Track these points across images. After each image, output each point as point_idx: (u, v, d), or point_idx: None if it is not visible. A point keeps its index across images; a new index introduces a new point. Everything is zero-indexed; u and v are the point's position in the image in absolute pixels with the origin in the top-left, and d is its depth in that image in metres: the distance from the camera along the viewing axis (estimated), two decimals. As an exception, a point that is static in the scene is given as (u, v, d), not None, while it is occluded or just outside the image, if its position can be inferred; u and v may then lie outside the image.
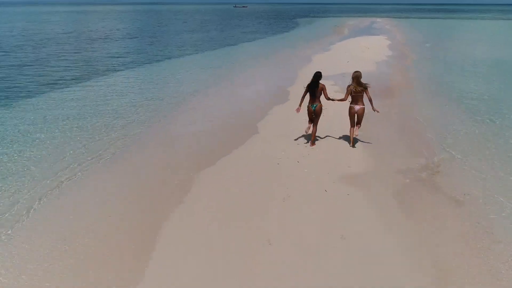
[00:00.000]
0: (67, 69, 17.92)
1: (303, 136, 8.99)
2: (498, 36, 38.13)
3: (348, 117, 8.44)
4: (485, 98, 12.75)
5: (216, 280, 4.52)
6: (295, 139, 8.82)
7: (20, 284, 4.49)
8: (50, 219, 5.82)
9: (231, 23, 57.95)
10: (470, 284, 4.45)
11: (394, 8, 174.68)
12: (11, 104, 11.83)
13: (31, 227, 5.60)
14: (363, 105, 8.15)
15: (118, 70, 17.84)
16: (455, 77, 16.81)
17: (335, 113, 10.60)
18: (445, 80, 15.98)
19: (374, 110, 8.21)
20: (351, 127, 8.35)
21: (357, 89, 7.99)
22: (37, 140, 8.80)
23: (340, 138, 9.03)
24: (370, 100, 8.08)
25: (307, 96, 8.29)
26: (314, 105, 8.17)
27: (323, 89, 8.08)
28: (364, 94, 8.09)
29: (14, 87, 14.20)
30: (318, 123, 8.42)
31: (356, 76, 8.01)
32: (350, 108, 8.23)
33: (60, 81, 15.16)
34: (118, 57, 22.04)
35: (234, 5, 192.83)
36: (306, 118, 10.01)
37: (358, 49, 24.49)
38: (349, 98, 8.29)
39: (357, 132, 8.46)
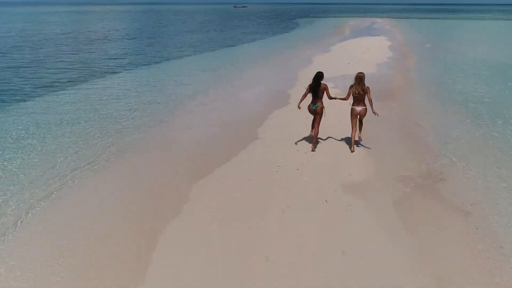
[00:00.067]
0: (63, 71, 17.68)
1: (303, 140, 8.77)
2: (498, 37, 37.92)
3: (350, 119, 8.30)
4: (486, 100, 12.52)
5: (216, 280, 4.53)
6: (295, 144, 8.58)
7: (20, 284, 4.52)
8: (50, 219, 5.84)
9: (231, 23, 57.69)
10: (470, 285, 4.41)
11: (394, 8, 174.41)
12: (5, 108, 11.59)
13: (31, 227, 5.62)
14: (365, 106, 8.04)
15: (116, 72, 17.60)
16: (456, 78, 16.57)
17: (336, 115, 10.42)
18: (446, 82, 15.75)
19: (373, 113, 8.07)
20: (352, 129, 8.19)
21: (359, 90, 7.88)
22: (28, 146, 8.56)
23: (341, 140, 8.88)
24: (370, 102, 7.96)
25: (309, 96, 8.16)
26: (316, 106, 8.04)
27: (325, 89, 7.97)
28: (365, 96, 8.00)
29: (10, 89, 13.97)
30: (320, 124, 8.27)
31: (359, 77, 7.89)
32: (352, 110, 8.10)
33: (56, 84, 14.92)
34: (116, 58, 21.80)
35: (234, 5, 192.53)
36: (306, 122, 9.83)
37: (359, 50, 24.25)
38: (351, 100, 8.18)
39: (361, 134, 8.42)
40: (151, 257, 4.90)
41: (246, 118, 10.80)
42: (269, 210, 5.94)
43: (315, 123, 8.25)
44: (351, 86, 8.02)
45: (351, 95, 8.03)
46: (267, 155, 8.10)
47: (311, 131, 8.56)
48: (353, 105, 8.12)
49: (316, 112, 8.10)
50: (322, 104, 8.10)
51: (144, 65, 19.78)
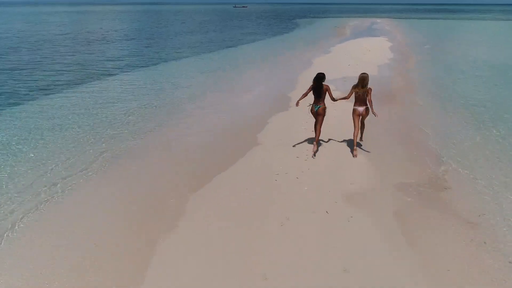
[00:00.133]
0: (60, 73, 17.41)
1: (304, 145, 8.52)
2: (499, 37, 37.67)
3: (350, 120, 8.26)
4: (488, 103, 12.27)
5: (216, 280, 4.52)
6: (295, 150, 8.32)
7: (20, 284, 4.52)
8: (50, 219, 5.86)
9: (231, 23, 57.43)
10: (470, 285, 4.36)
11: (394, 8, 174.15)
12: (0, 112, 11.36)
13: (31, 227, 5.64)
14: (367, 106, 8.01)
15: (112, 74, 17.32)
16: (457, 80, 16.34)
17: (337, 116, 10.23)
18: (447, 84, 15.51)
19: (373, 113, 7.96)
20: (355, 128, 8.09)
21: (361, 91, 7.88)
22: (19, 153, 8.31)
23: (342, 141, 8.78)
24: (370, 103, 7.91)
25: (310, 95, 8.06)
26: (318, 106, 7.93)
27: (328, 90, 7.88)
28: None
29: (4, 92, 13.69)
30: (322, 125, 8.15)
31: (362, 78, 7.87)
32: (354, 110, 8.06)
33: (52, 86, 14.65)
34: (113, 60, 21.53)
35: (234, 5, 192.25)
36: (306, 126, 9.60)
37: (359, 51, 24.00)
38: (352, 100, 8.19)
39: (362, 139, 8.39)
40: (151, 257, 4.91)
41: (245, 122, 10.54)
42: (267, 224, 5.68)
43: (317, 124, 8.12)
44: (354, 86, 8.01)
45: (352, 94, 8.05)
46: (267, 161, 7.84)
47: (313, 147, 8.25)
48: (355, 105, 8.09)
49: (318, 113, 8.00)
50: (324, 105, 8.01)
51: (141, 66, 19.52)
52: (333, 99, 8.07)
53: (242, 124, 10.37)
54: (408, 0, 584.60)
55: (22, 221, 5.78)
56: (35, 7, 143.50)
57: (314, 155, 8.01)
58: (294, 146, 8.54)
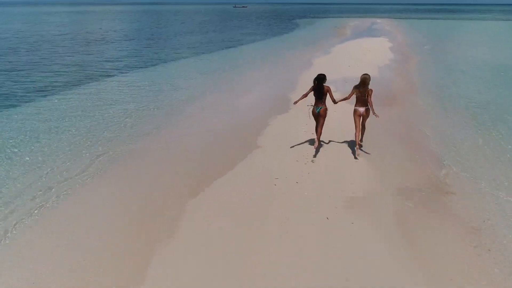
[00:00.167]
0: (58, 74, 17.28)
1: (304, 149, 8.40)
2: (499, 37, 37.57)
3: (351, 122, 8.25)
4: (489, 105, 12.18)
5: (216, 280, 4.50)
6: (295, 154, 8.20)
7: (20, 284, 4.53)
8: (50, 219, 5.87)
9: (230, 24, 57.32)
10: (470, 285, 4.35)
11: (394, 8, 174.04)
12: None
13: (31, 227, 5.64)
14: (368, 106, 7.97)
15: (111, 75, 17.20)
16: (458, 80, 16.25)
17: (338, 118, 10.12)
18: (448, 85, 15.40)
19: (374, 114, 7.91)
20: (356, 128, 8.06)
21: (362, 91, 7.85)
22: (14, 155, 8.20)
23: (343, 142, 8.72)
24: (371, 104, 7.88)
25: (312, 98, 8.01)
26: (319, 108, 7.87)
27: (329, 91, 7.83)
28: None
29: (1, 94, 13.57)
30: (323, 126, 8.08)
31: (364, 79, 7.85)
32: (355, 111, 8.03)
33: (49, 88, 14.52)
34: (112, 60, 21.41)
35: (234, 5, 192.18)
36: (306, 129, 9.47)
37: (359, 51, 23.87)
38: (353, 101, 8.16)
39: (362, 142, 8.36)
40: (151, 257, 4.90)
41: (245, 123, 10.42)
42: (267, 224, 5.59)
43: (318, 126, 8.04)
44: (355, 87, 7.98)
45: (353, 95, 8.01)
46: (267, 165, 7.72)
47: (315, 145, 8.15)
48: (356, 105, 8.06)
49: (320, 115, 7.95)
50: (325, 106, 7.94)
51: (140, 67, 19.39)
52: (334, 101, 8.01)
53: (242, 125, 10.27)
54: (408, 0, 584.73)
55: (22, 221, 5.78)
56: (35, 7, 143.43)
57: (314, 156, 7.92)
58: (294, 149, 8.42)
